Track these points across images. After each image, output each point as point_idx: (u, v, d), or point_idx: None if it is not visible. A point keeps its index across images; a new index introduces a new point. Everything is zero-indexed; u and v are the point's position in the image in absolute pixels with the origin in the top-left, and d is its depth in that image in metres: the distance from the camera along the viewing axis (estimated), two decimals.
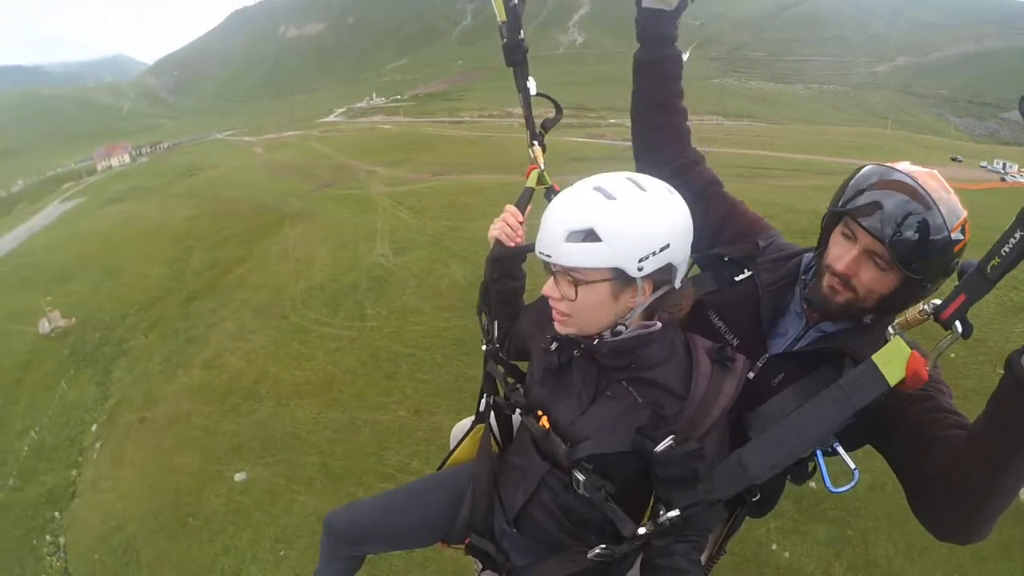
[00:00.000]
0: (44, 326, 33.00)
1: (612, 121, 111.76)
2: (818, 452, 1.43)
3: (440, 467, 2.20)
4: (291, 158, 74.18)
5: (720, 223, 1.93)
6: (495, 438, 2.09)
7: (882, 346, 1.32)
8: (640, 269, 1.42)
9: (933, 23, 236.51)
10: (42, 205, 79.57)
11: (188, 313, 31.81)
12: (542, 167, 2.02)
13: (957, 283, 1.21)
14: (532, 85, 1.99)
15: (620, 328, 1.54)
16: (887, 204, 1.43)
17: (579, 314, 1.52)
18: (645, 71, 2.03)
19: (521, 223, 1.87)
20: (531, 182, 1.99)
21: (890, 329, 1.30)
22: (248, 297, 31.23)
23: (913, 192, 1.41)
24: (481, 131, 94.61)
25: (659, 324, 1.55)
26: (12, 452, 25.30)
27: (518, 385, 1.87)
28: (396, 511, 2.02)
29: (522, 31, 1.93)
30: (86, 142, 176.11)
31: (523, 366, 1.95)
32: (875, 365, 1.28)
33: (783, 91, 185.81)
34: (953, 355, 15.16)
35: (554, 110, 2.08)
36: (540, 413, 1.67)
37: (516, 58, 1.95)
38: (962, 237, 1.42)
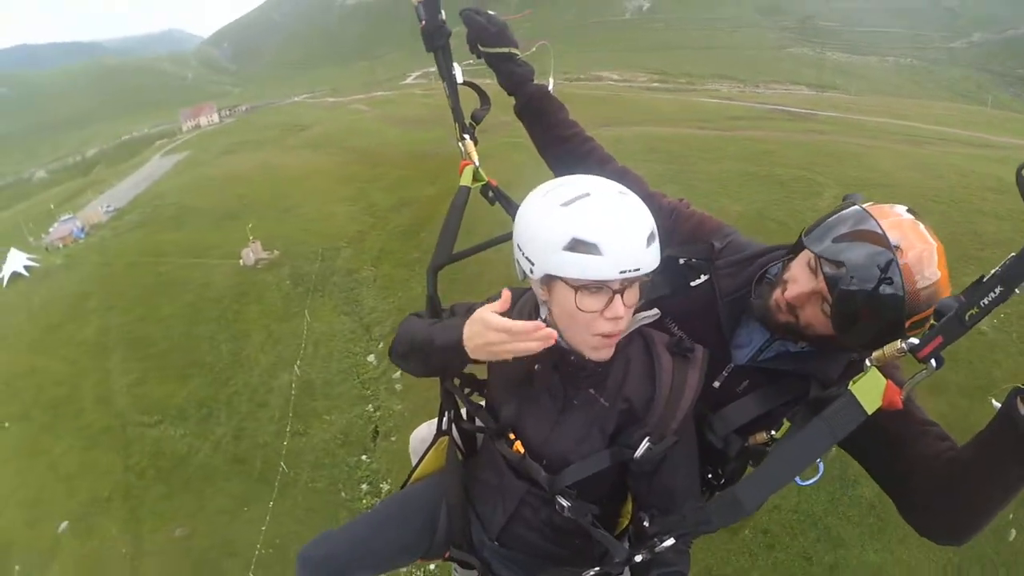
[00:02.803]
0: (248, 257, 29.55)
1: (711, 87, 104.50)
2: None
3: (405, 483, 2.16)
4: (406, 112, 70.21)
5: (671, 226, 1.84)
6: (459, 449, 2.04)
7: (849, 372, 1.49)
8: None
9: None
10: (140, 160, 76.72)
11: (418, 244, 28.31)
12: (476, 163, 1.96)
13: (934, 323, 1.27)
14: (458, 72, 1.93)
15: None
16: (849, 256, 1.43)
17: (628, 318, 1.49)
18: (523, 117, 2.11)
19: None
20: (466, 180, 1.93)
21: (867, 362, 1.36)
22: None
23: (878, 241, 1.42)
24: (588, 90, 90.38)
25: (656, 310, 1.64)
26: (272, 391, 21.56)
27: (478, 405, 1.81)
28: (373, 537, 1.97)
29: (443, 12, 1.85)
30: (155, 109, 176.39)
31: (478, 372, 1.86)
32: (854, 396, 1.33)
33: (859, 63, 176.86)
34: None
35: (480, 101, 2.07)
36: (512, 436, 1.65)
37: (439, 43, 1.88)
38: (930, 306, 1.40)
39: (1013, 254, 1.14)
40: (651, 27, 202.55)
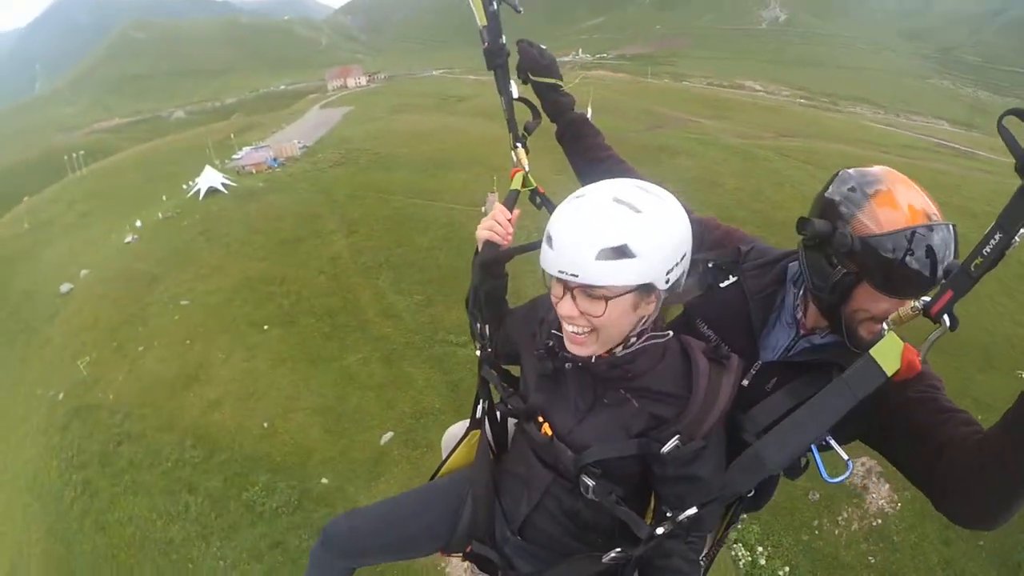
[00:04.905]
0: (491, 205, 27.76)
1: (853, 110, 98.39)
2: (812, 446, 1.56)
3: (434, 475, 2.20)
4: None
5: (699, 233, 1.82)
6: (490, 445, 2.07)
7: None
8: (667, 281, 1.46)
9: None
10: (297, 110, 77.88)
11: None
12: (526, 169, 2.06)
13: (943, 281, 1.31)
14: (514, 89, 2.06)
15: (632, 340, 1.56)
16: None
17: (602, 330, 1.50)
18: (563, 142, 2.28)
19: (511, 221, 1.89)
20: (516, 184, 2.02)
21: (884, 325, 1.43)
22: None
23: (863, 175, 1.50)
24: (750, 98, 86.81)
25: (671, 333, 1.62)
26: None
27: (513, 391, 1.86)
28: (397, 521, 2.02)
29: (503, 36, 2.00)
30: (290, 68, 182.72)
31: (514, 371, 1.93)
32: (872, 358, 1.37)
33: (999, 104, 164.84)
34: None
35: (531, 114, 2.16)
36: (540, 419, 1.68)
37: (498, 62, 2.01)
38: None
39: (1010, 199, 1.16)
40: (788, 39, 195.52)
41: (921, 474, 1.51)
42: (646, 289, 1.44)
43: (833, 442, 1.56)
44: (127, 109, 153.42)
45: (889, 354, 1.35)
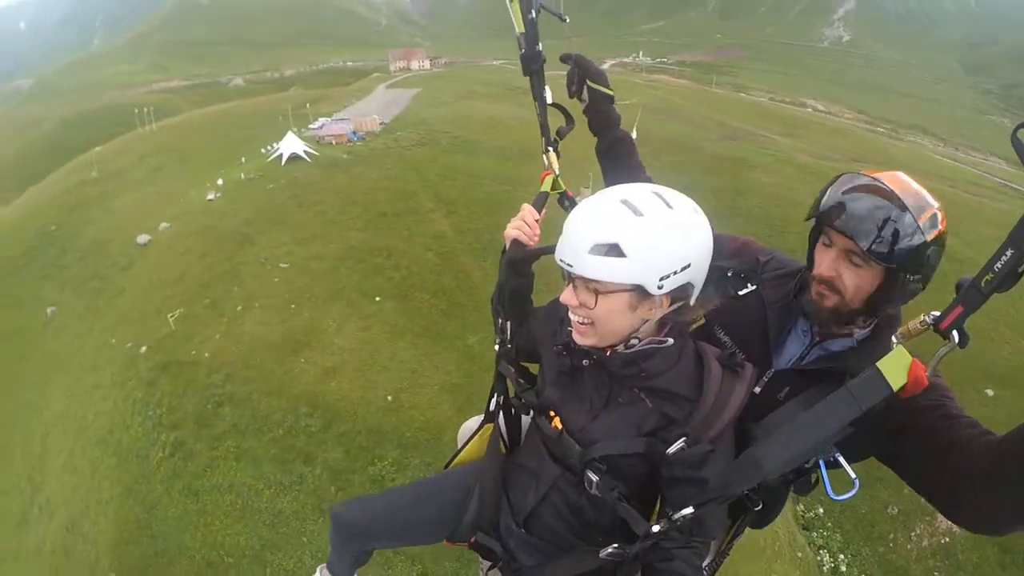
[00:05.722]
0: (584, 195, 27.12)
1: (903, 137, 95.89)
2: (820, 463, 1.56)
3: (447, 465, 2.23)
4: (644, 100, 67.23)
5: (716, 245, 1.88)
6: (503, 438, 2.12)
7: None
8: (660, 287, 1.46)
9: None
10: (360, 89, 77.34)
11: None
12: (556, 173, 2.12)
13: (955, 296, 1.30)
14: (548, 94, 2.12)
15: (634, 341, 1.58)
16: (851, 204, 1.56)
17: (598, 323, 1.55)
18: (605, 156, 2.28)
19: (538, 221, 1.94)
20: (546, 187, 2.07)
21: (893, 338, 1.38)
22: None
23: (875, 189, 1.56)
24: (817, 119, 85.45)
25: (671, 340, 1.61)
26: None
27: (528, 386, 1.90)
28: (404, 508, 2.07)
29: (540, 43, 2.07)
30: (346, 46, 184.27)
31: (532, 368, 1.98)
32: (879, 371, 1.36)
33: None
34: None
35: (565, 119, 2.25)
36: (552, 414, 1.71)
37: (534, 67, 2.09)
38: (936, 227, 1.53)
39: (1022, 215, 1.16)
40: (850, 60, 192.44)
41: (930, 479, 1.51)
42: (640, 291, 1.46)
43: (841, 459, 1.54)
44: (185, 72, 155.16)
45: (896, 368, 1.34)
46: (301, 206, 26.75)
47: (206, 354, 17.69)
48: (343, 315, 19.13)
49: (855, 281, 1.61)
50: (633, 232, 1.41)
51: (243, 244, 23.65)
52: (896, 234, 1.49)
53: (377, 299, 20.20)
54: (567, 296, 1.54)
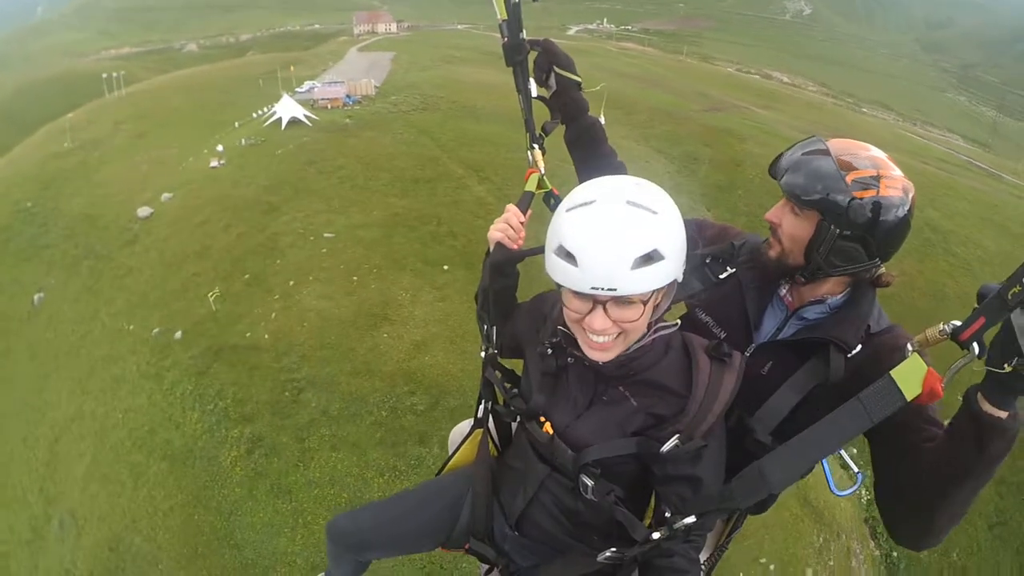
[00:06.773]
0: None
1: (866, 111, 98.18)
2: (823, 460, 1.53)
3: (439, 472, 2.22)
4: (623, 68, 66.20)
5: (695, 233, 1.93)
6: (493, 442, 2.10)
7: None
8: (683, 273, 1.50)
9: None
10: (330, 52, 74.46)
11: None
12: (542, 171, 2.05)
13: (976, 306, 1.25)
14: (533, 87, 2.03)
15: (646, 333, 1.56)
16: (790, 156, 1.68)
17: (632, 333, 1.51)
18: (575, 146, 2.22)
19: (523, 224, 1.88)
20: (530, 186, 2.01)
21: (908, 346, 1.35)
22: None
23: (819, 149, 1.64)
24: (788, 90, 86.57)
25: (679, 323, 1.66)
26: None
27: (515, 390, 1.85)
28: (397, 519, 2.05)
29: (523, 31, 1.96)
30: (303, 9, 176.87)
31: (517, 364, 1.93)
32: (893, 380, 1.31)
33: (1012, 128, 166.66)
34: None
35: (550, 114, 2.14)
36: (542, 419, 1.68)
37: (518, 58, 1.99)
38: (869, 189, 1.55)
39: None
40: (811, 34, 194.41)
41: (881, 480, 1.58)
42: (671, 286, 1.50)
43: (846, 455, 1.56)
44: (136, 39, 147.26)
45: (911, 377, 1.29)
46: (322, 173, 25.68)
47: (265, 335, 16.43)
48: (414, 286, 18.26)
49: (791, 230, 1.68)
50: (663, 232, 1.40)
51: (270, 213, 22.49)
52: (821, 185, 1.57)
53: (446, 268, 19.42)
54: (600, 322, 1.45)
